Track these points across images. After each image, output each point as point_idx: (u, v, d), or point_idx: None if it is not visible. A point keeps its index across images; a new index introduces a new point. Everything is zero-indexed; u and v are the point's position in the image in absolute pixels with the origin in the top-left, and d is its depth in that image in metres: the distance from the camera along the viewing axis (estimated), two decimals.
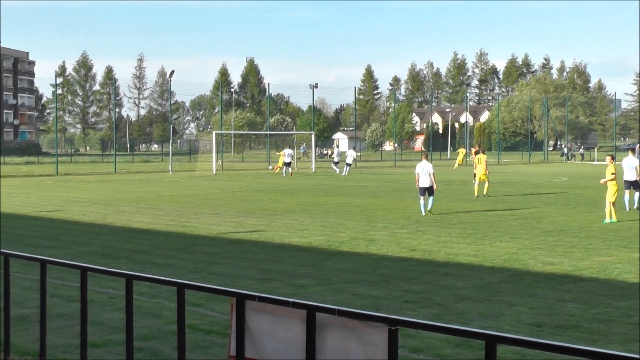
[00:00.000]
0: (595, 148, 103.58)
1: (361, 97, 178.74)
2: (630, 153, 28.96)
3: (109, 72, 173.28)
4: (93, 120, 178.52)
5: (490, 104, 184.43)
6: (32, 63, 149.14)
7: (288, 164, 56.68)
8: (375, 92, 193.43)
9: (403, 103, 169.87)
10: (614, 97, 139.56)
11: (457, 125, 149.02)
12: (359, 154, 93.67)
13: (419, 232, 20.84)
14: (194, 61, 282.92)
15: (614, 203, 23.61)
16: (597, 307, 11.61)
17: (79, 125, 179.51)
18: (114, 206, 29.73)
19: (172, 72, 76.69)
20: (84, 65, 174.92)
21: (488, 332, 3.94)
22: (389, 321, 4.32)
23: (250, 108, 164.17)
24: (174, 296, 5.38)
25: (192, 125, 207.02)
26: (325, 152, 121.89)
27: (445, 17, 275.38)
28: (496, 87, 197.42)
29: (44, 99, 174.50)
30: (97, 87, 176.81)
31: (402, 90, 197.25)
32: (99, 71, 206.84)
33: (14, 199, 33.01)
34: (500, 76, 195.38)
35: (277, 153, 64.27)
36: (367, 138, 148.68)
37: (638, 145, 68.14)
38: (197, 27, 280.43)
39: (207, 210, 27.93)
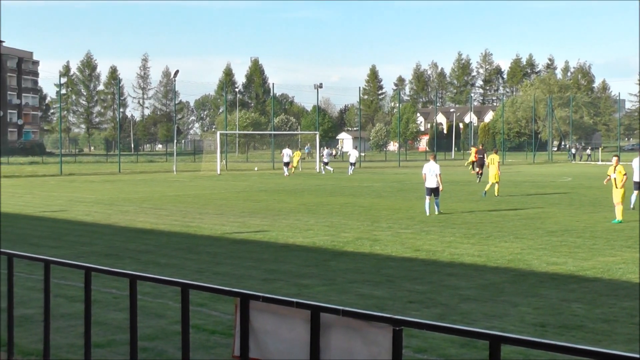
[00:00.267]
0: (600, 148, 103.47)
1: (365, 97, 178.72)
2: None
3: (113, 72, 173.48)
4: (97, 120, 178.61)
5: (495, 104, 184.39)
6: (37, 63, 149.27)
7: (287, 164, 56.71)
8: (380, 92, 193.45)
9: (407, 103, 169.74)
10: (618, 98, 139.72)
11: (461, 125, 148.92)
12: (363, 154, 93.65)
13: (423, 233, 20.83)
14: (199, 61, 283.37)
15: (621, 203, 23.57)
16: (601, 307, 11.59)
17: (83, 125, 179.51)
18: (118, 206, 29.75)
19: (177, 72, 76.83)
20: (88, 65, 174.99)
21: (492, 333, 3.94)
22: (393, 321, 4.32)
23: (254, 108, 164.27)
24: (178, 296, 5.38)
25: (197, 125, 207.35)
26: (332, 153, 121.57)
27: (449, 18, 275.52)
28: (500, 88, 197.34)
29: (48, 98, 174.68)
30: (101, 87, 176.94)
31: (407, 90, 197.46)
32: (103, 71, 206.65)
33: (17, 199, 33.06)
34: (505, 76, 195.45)
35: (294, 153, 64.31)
36: (371, 138, 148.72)
37: None
38: (201, 27, 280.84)
39: (211, 210, 27.93)
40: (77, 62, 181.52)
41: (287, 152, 58.02)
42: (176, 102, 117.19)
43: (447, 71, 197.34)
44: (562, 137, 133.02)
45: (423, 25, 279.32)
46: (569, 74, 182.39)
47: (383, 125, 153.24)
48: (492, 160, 34.87)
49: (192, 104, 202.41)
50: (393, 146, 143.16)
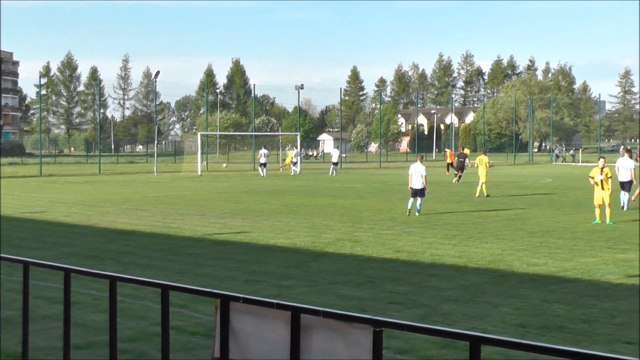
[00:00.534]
0: (580, 149, 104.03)
1: (347, 98, 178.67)
2: (625, 154, 29.16)
3: (94, 72, 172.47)
4: (77, 121, 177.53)
5: (476, 105, 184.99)
6: (16, 63, 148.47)
7: (263, 165, 56.36)
8: (361, 93, 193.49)
9: (389, 104, 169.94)
10: (598, 99, 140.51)
11: (442, 126, 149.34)
12: (344, 155, 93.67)
13: (404, 234, 20.86)
14: (180, 62, 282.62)
15: (609, 204, 23.64)
16: (581, 308, 11.65)
17: (63, 126, 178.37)
18: (98, 207, 29.62)
19: (158, 72, 76.65)
20: (69, 65, 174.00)
21: (472, 333, 3.93)
22: (373, 322, 4.31)
23: (235, 109, 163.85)
24: (158, 297, 5.35)
25: (177, 126, 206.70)
26: (310, 153, 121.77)
27: (431, 19, 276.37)
28: (481, 89, 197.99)
29: (28, 99, 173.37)
30: (81, 88, 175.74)
31: (388, 91, 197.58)
32: (83, 72, 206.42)
33: None
34: (486, 78, 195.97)
35: (286, 152, 64.00)
36: (352, 139, 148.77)
37: (622, 147, 68.44)
38: (182, 27, 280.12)
39: (192, 211, 27.86)
40: (58, 62, 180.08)
41: (263, 152, 57.67)
42: (157, 103, 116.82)
43: (428, 72, 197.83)
44: (542, 138, 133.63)
45: (404, 26, 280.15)
46: (549, 75, 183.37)
47: (364, 126, 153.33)
48: (481, 161, 35.19)
49: (172, 104, 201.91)
50: (374, 147, 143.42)
